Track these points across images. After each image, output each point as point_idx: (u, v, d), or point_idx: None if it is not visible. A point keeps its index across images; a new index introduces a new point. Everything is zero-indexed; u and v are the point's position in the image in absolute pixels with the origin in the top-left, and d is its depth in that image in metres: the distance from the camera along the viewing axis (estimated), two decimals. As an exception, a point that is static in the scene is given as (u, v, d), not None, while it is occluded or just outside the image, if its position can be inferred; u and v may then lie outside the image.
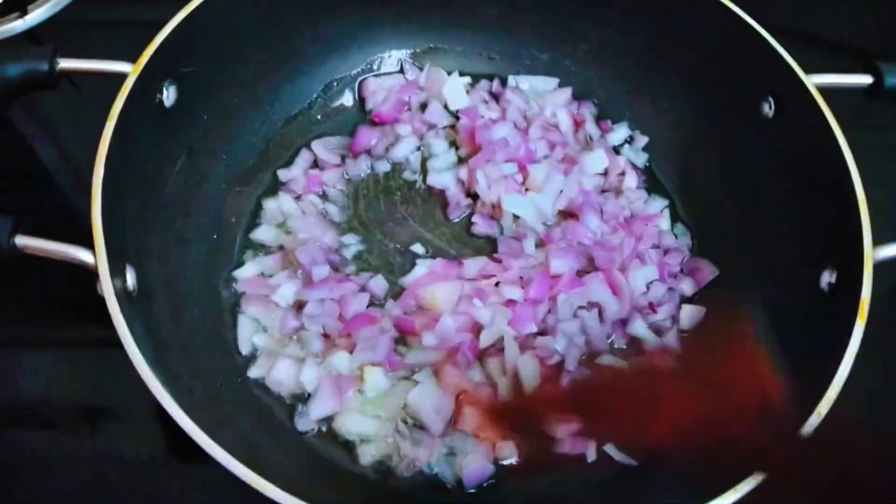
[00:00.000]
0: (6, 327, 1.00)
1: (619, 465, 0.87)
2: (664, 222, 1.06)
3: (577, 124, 1.15)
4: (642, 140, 1.13)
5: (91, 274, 0.74)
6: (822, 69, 0.92)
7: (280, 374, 0.91)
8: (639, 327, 0.96)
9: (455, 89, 1.15)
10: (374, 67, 1.18)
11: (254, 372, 0.92)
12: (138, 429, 0.92)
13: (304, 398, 0.91)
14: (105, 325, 0.70)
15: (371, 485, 0.85)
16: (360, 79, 1.17)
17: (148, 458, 0.91)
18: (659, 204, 1.08)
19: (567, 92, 1.17)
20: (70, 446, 0.92)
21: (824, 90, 0.89)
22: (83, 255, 0.74)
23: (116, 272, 0.74)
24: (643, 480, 0.84)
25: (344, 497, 0.83)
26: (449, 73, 1.17)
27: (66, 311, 1.01)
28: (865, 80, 0.91)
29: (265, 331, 0.95)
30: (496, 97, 1.17)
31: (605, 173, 1.09)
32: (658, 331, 0.97)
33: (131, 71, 0.84)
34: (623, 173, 1.09)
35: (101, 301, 0.72)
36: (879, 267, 0.78)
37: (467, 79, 1.17)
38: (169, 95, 0.90)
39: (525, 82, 1.17)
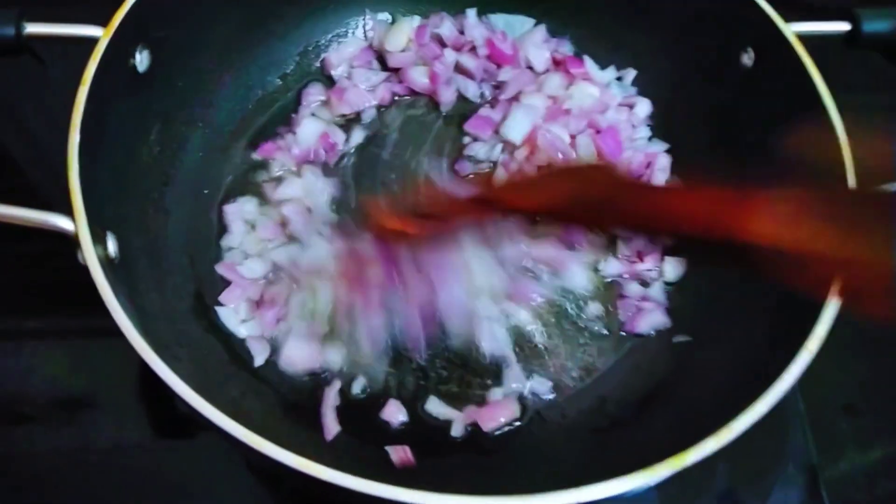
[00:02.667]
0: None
1: (613, 414, 0.88)
2: (664, 173, 1.05)
3: (557, 63, 1.14)
4: (631, 74, 1.13)
5: (71, 243, 0.72)
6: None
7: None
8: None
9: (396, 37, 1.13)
10: (351, 32, 1.16)
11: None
12: (120, 415, 0.91)
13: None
14: (84, 313, 0.69)
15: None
16: (323, 55, 1.15)
17: (131, 443, 0.90)
18: (661, 145, 1.08)
19: (542, 30, 1.15)
20: (50, 437, 0.90)
21: (804, 41, 0.89)
22: (62, 222, 0.72)
23: (97, 239, 0.73)
24: (636, 428, 0.85)
25: (339, 458, 0.82)
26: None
27: (43, 302, 0.98)
28: (843, 27, 0.92)
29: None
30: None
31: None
32: (644, 283, 0.98)
33: (102, 35, 0.81)
34: (632, 105, 1.09)
35: (79, 287, 0.69)
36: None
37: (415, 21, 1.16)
38: (142, 60, 0.88)
39: (500, 20, 1.16)
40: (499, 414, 0.88)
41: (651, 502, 0.91)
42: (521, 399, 0.91)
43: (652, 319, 0.95)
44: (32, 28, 0.83)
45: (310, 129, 1.06)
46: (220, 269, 0.95)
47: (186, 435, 0.91)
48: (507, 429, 0.89)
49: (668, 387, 0.89)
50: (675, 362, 0.92)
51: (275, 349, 0.91)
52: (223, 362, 0.89)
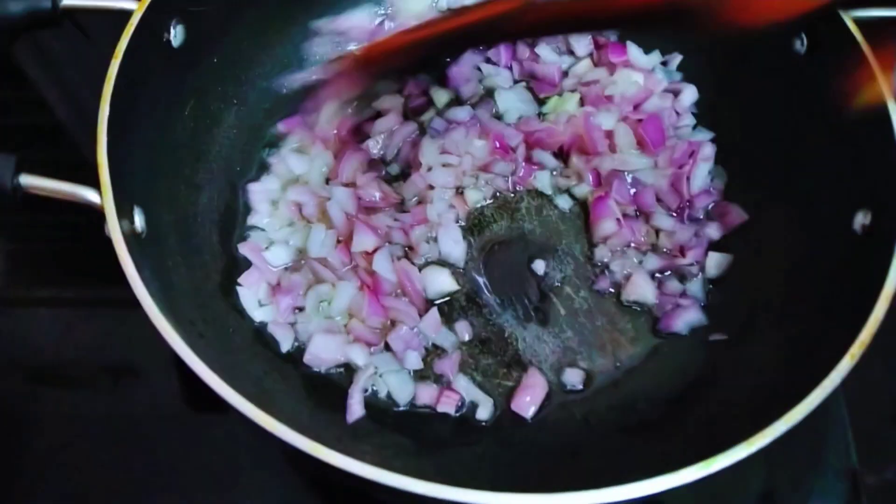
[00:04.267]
0: (25, 287, 1.01)
1: (642, 413, 0.85)
2: (707, 163, 1.01)
3: (599, 47, 1.11)
4: (676, 58, 1.10)
5: (98, 215, 0.72)
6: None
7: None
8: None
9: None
10: (390, 13, 1.14)
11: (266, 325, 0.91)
12: (156, 384, 0.92)
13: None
14: (122, 283, 0.69)
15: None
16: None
17: (166, 413, 0.91)
18: (706, 134, 1.04)
19: None
20: (89, 402, 0.92)
21: (862, 27, 0.84)
22: (89, 194, 0.72)
23: (123, 213, 0.73)
24: (665, 428, 0.82)
25: (359, 443, 0.82)
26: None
27: (85, 272, 1.00)
28: (908, 12, 0.86)
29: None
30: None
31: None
32: (683, 277, 0.95)
33: (136, 8, 0.82)
34: (677, 92, 1.05)
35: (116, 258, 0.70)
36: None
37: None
38: (177, 35, 0.88)
39: None
40: (527, 394, 0.87)
41: (685, 502, 0.88)
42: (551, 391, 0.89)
43: (688, 317, 0.92)
44: (68, 0, 0.83)
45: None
46: (244, 249, 0.94)
47: (219, 409, 0.91)
48: (538, 416, 0.87)
49: (701, 387, 0.86)
50: (710, 361, 0.88)
51: (298, 335, 0.90)
52: (248, 341, 0.89)
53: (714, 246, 0.98)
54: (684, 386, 0.87)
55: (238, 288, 0.91)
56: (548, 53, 1.10)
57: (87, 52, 1.09)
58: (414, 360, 0.89)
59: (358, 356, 0.88)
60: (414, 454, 0.82)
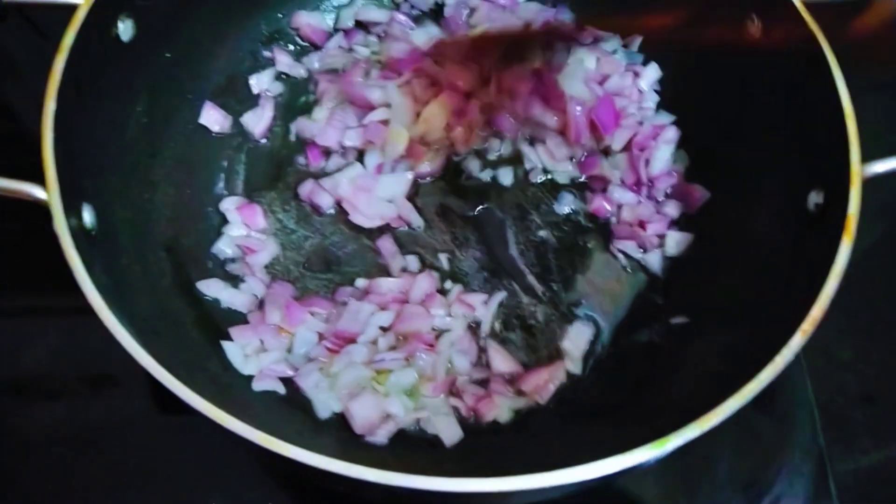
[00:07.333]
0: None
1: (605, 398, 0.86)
2: (669, 145, 1.02)
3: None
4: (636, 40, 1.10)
5: (46, 212, 0.71)
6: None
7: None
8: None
9: None
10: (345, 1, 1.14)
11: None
12: (125, 391, 0.92)
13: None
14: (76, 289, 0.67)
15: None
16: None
17: (137, 418, 0.90)
18: (668, 117, 1.04)
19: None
20: (58, 412, 0.91)
21: (812, 9, 0.85)
22: (35, 190, 0.71)
23: (71, 209, 0.71)
24: (627, 412, 0.83)
25: (311, 437, 0.81)
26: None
27: (40, 280, 0.98)
28: (854, -7, 0.87)
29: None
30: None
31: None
32: (643, 247, 0.97)
33: (83, 3, 0.80)
34: (637, 74, 1.06)
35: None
36: (867, 185, 0.75)
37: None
38: (126, 30, 0.86)
39: None
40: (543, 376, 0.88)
41: (651, 489, 0.89)
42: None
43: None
44: (12, -4, 0.81)
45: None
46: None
47: (190, 411, 0.90)
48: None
49: (663, 369, 0.86)
50: (672, 344, 0.89)
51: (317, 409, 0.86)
52: (206, 337, 0.87)
53: (677, 223, 0.99)
54: (646, 369, 0.88)
55: (224, 343, 0.88)
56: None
57: (40, 48, 1.07)
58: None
59: (398, 408, 0.85)
60: (377, 447, 0.82)
